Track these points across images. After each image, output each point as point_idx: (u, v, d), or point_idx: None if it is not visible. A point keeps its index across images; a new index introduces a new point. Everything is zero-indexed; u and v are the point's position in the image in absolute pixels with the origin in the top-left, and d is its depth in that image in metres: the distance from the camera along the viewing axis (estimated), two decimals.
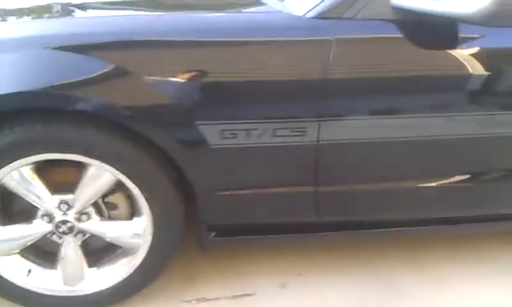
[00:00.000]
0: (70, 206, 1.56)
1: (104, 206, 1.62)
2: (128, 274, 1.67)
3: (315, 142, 1.50)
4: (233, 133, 1.45)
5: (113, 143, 1.44)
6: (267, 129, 1.46)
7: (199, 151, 1.47)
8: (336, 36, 1.42)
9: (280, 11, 1.58)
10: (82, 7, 1.84)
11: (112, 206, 1.63)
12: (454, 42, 1.49)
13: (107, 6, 1.89)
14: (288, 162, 1.55)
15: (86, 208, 1.57)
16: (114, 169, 1.48)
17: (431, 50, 1.48)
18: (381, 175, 1.63)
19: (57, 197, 1.54)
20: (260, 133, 1.46)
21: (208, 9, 1.80)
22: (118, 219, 1.64)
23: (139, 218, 1.60)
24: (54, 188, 1.53)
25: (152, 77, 1.38)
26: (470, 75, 1.51)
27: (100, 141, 1.43)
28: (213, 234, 1.69)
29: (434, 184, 1.67)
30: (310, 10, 1.48)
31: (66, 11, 1.80)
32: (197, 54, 1.42)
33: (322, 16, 1.45)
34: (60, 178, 1.55)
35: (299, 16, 1.49)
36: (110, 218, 1.64)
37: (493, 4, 1.27)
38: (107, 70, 1.37)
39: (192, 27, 1.48)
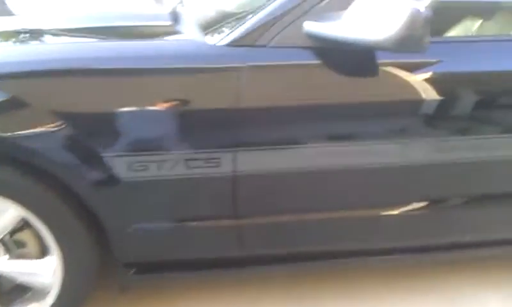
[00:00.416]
0: None
1: (11, 244, 1.52)
2: None
3: (231, 174, 1.44)
4: (143, 166, 1.39)
5: (13, 177, 1.36)
6: (179, 160, 1.40)
7: (107, 185, 1.40)
8: (248, 63, 1.38)
9: (192, 40, 1.54)
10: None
11: (21, 244, 1.53)
12: (371, 68, 1.46)
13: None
14: (204, 194, 1.49)
15: None
16: (17, 205, 1.39)
17: (347, 77, 1.45)
18: (303, 206, 1.58)
19: None
20: (171, 165, 1.40)
21: (122, 37, 1.75)
22: (28, 258, 1.54)
23: (50, 257, 1.50)
24: None
25: (50, 108, 1.31)
26: (386, 101, 1.48)
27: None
28: (132, 271, 1.60)
29: (361, 213, 1.62)
30: (223, 38, 1.44)
31: None
32: (101, 83, 1.36)
33: (234, 44, 1.41)
34: None
35: (211, 45, 1.44)
36: (19, 257, 1.54)
37: (403, 30, 1.25)
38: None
39: (98, 55, 1.42)
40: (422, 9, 1.24)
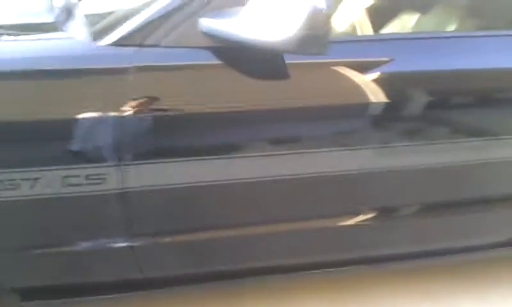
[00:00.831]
0: None
1: None
2: None
3: (119, 191, 1.26)
4: (13, 184, 1.20)
5: None
6: (55, 178, 1.21)
7: None
8: (135, 64, 1.21)
9: (72, 38, 1.35)
10: None
11: None
12: (279, 69, 1.30)
13: None
14: (89, 215, 1.31)
15: None
16: None
17: (253, 80, 1.29)
18: (206, 223, 1.41)
19: None
20: (46, 183, 1.21)
21: None
22: None
23: None
24: None
25: None
26: (303, 107, 1.33)
27: None
28: (19, 299, 1.42)
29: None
30: (108, 37, 1.26)
31: None
32: None
33: (120, 43, 1.23)
34: None
35: (93, 44, 1.26)
36: None
37: (302, 30, 1.10)
38: None
39: None
40: (323, 6, 1.08)
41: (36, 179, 1.20)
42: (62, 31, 1.43)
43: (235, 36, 1.17)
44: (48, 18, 1.49)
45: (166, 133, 1.26)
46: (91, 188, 1.24)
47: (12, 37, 1.43)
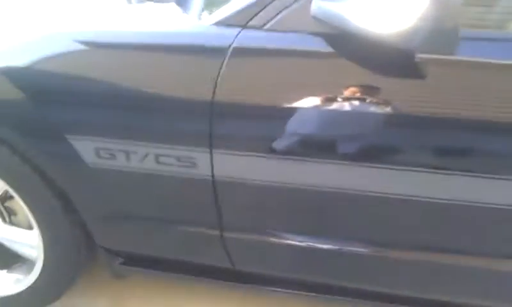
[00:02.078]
0: None
1: (4, 210, 1.50)
2: (27, 286, 1.54)
3: (209, 177, 1.20)
4: (111, 154, 1.23)
5: None
6: (148, 154, 1.20)
7: (74, 169, 1.27)
8: (234, 45, 1.12)
9: (183, 18, 1.32)
10: None
11: (12, 212, 1.51)
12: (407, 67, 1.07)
13: None
14: (180, 196, 1.28)
15: None
16: None
17: (368, 74, 1.08)
18: (304, 228, 1.28)
19: None
20: (140, 158, 1.21)
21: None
22: (19, 226, 1.51)
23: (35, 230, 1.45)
24: None
25: (14, 80, 1.22)
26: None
27: None
28: (119, 261, 1.49)
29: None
30: (210, 17, 1.19)
31: None
32: (62, 56, 1.22)
33: (223, 22, 1.15)
34: None
35: (197, 23, 1.21)
36: (11, 223, 1.51)
37: (426, 23, 0.89)
38: None
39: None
40: None
41: (130, 152, 1.21)
42: (178, 7, 1.41)
43: (348, 23, 1.00)
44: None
45: (262, 123, 1.15)
46: (182, 171, 1.20)
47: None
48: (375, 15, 0.97)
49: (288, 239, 1.28)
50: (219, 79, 1.11)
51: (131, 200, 1.32)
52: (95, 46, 1.23)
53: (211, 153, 1.16)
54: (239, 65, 1.12)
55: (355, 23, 0.99)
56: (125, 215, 1.34)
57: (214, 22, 1.17)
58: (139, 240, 1.41)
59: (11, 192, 1.38)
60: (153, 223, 1.35)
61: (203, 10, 1.31)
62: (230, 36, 1.12)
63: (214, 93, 1.12)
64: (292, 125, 1.11)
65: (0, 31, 1.36)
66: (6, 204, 1.49)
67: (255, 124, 1.15)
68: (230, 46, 1.11)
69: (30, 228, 1.47)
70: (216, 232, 1.30)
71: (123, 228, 1.38)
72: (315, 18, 1.07)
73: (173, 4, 1.41)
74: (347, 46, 1.07)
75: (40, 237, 1.43)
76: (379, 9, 0.97)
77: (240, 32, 1.12)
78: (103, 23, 1.33)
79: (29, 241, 1.48)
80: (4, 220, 1.50)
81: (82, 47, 1.23)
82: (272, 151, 1.13)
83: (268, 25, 1.12)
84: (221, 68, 1.11)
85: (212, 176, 1.20)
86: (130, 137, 1.20)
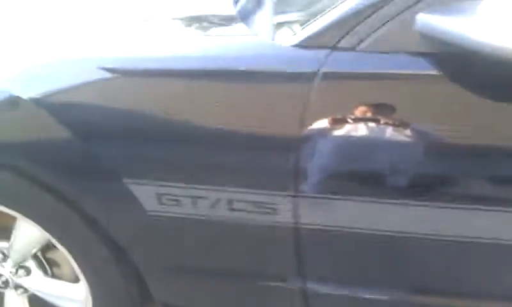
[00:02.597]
0: (6, 256, 1.30)
1: (45, 262, 1.34)
2: None
3: (293, 225, 1.03)
4: (175, 200, 1.06)
5: (30, 195, 1.14)
6: (220, 199, 1.04)
7: (131, 217, 1.11)
8: (323, 70, 0.95)
9: (251, 36, 1.14)
10: None
11: (54, 263, 1.34)
12: None
13: None
14: (255, 247, 1.11)
15: (24, 260, 1.31)
16: (38, 225, 1.19)
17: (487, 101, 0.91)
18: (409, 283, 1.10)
19: None
20: (210, 204, 1.04)
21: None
22: (62, 279, 1.34)
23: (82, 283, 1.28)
24: None
25: (63, 117, 1.06)
26: None
27: (15, 190, 1.15)
28: None
29: None
30: (292, 37, 1.02)
31: None
32: (116, 85, 1.07)
33: (305, 44, 0.99)
34: None
35: (276, 45, 1.04)
36: (53, 276, 1.35)
37: None
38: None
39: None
40: None
41: (199, 198, 1.04)
42: (244, 25, 1.22)
43: (471, 40, 0.83)
44: (231, 10, 1.32)
45: (357, 161, 0.99)
46: (260, 218, 1.03)
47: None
48: (504, 29, 0.80)
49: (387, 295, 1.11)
50: (306, 111, 0.95)
51: (197, 251, 1.15)
52: (153, 74, 1.07)
53: (296, 196, 1.00)
54: (330, 94, 0.96)
55: (479, 39, 0.82)
56: (189, 268, 1.17)
57: (295, 43, 0.99)
58: (204, 295, 1.24)
59: (55, 242, 1.22)
60: (222, 276, 1.17)
61: (275, 29, 1.14)
62: (318, 60, 0.95)
63: (300, 127, 0.95)
64: (400, 164, 0.94)
65: (26, 49, 1.22)
66: (48, 255, 1.33)
67: (354, 162, 0.98)
68: (318, 71, 0.94)
69: (75, 280, 1.31)
70: (296, 286, 1.13)
71: (187, 282, 1.21)
72: (422, 35, 0.90)
73: (235, 23, 1.24)
74: (467, 67, 0.90)
75: (88, 291, 1.26)
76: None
77: (329, 54, 0.95)
78: (153, 47, 1.17)
79: (74, 296, 1.31)
80: (45, 272, 1.33)
81: (136, 76, 1.08)
82: (374, 194, 0.96)
83: (362, 46, 0.95)
84: (308, 98, 0.94)
85: (296, 223, 1.03)
86: (199, 181, 1.04)
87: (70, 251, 1.20)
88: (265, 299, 1.19)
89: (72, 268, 1.27)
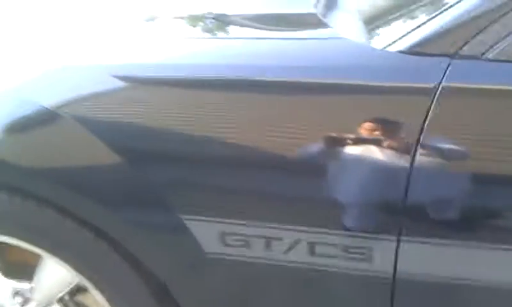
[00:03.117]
0: (27, 299, 1.10)
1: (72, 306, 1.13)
2: None
3: (389, 277, 0.82)
4: (243, 241, 0.85)
5: (62, 231, 0.94)
6: (300, 242, 0.83)
7: (185, 259, 0.90)
8: (444, 83, 0.75)
9: (344, 38, 0.93)
10: None
11: None
12: None
13: None
14: (339, 300, 0.90)
15: (48, 304, 1.10)
16: (69, 266, 0.98)
17: None
18: None
19: (11, 284, 1.09)
20: (287, 247, 0.84)
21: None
22: None
23: None
24: (6, 269, 1.09)
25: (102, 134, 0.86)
26: None
27: (41, 223, 0.95)
28: None
29: None
30: (397, 40, 0.82)
31: None
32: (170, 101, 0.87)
33: (418, 50, 0.79)
34: (15, 256, 1.10)
35: (376, 49, 0.84)
36: None
37: None
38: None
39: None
40: None
41: (273, 239, 0.84)
42: (327, 26, 1.02)
43: None
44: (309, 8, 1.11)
45: (482, 194, 0.78)
46: (348, 266, 0.83)
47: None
48: None
49: None
50: (422, 133, 0.74)
51: (267, 302, 0.94)
52: (215, 86, 0.88)
53: (398, 240, 0.79)
54: (453, 112, 0.76)
55: None
56: None
57: (403, 48, 0.80)
58: None
59: (88, 284, 1.01)
60: None
61: (371, 30, 0.95)
62: (437, 71, 0.75)
63: (414, 153, 0.75)
64: None
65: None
66: (77, 298, 1.12)
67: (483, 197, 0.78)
68: (438, 85, 0.75)
69: None
70: None
71: None
72: None
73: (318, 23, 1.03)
74: None
75: None
76: None
77: (450, 63, 0.76)
78: (213, 51, 0.98)
79: None
80: None
81: (196, 87, 0.88)
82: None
83: (491, 54, 0.75)
84: (425, 117, 0.74)
85: (394, 273, 0.82)
86: (274, 219, 0.83)
87: (106, 295, 1.00)
88: None
89: None
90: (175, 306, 1.01)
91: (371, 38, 0.90)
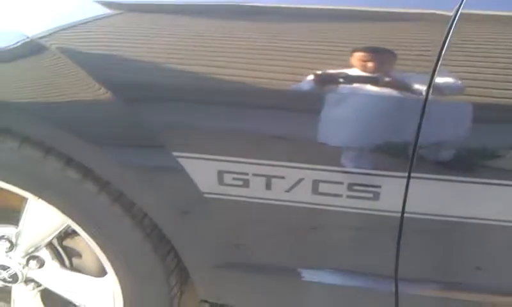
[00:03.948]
0: (13, 245, 1.05)
1: (62, 251, 1.09)
2: None
3: (397, 216, 0.78)
4: (242, 179, 0.80)
5: (47, 170, 0.88)
6: (303, 179, 0.78)
7: (181, 200, 0.85)
8: (463, 10, 0.68)
9: None
10: None
11: (74, 253, 1.09)
12: None
13: None
14: (342, 241, 0.86)
15: (36, 250, 1.06)
16: (55, 208, 0.93)
17: None
18: None
19: None
20: (289, 185, 0.79)
21: None
22: (83, 272, 1.09)
23: (108, 277, 1.04)
24: None
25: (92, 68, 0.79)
26: None
27: (27, 165, 0.89)
28: None
29: None
30: None
31: None
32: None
33: None
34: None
35: None
36: (73, 268, 1.10)
37: None
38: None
39: None
40: None
41: (274, 177, 0.79)
42: None
43: None
44: None
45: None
46: (354, 204, 0.78)
47: None
48: None
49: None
50: (439, 62, 0.68)
51: (267, 245, 0.90)
52: (208, 12, 0.80)
53: (409, 176, 0.74)
54: (469, 40, 0.70)
55: None
56: (252, 265, 0.92)
57: None
58: (267, 295, 0.98)
59: (77, 228, 0.96)
60: (293, 276, 0.92)
61: None
62: None
63: (430, 83, 0.69)
64: None
65: None
66: (66, 243, 1.08)
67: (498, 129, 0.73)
68: (457, 12, 0.68)
69: (100, 274, 1.06)
70: (389, 290, 0.88)
71: (248, 281, 0.96)
72: None
73: None
74: None
75: (118, 287, 1.02)
76: None
77: None
78: None
79: (99, 292, 1.07)
80: (62, 264, 1.09)
81: (183, 15, 0.81)
82: None
83: None
84: (443, 46, 0.68)
85: (402, 213, 0.78)
86: (275, 156, 0.78)
87: (97, 240, 0.95)
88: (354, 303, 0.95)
89: (97, 260, 1.02)
90: (169, 249, 0.97)
91: None
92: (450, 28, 0.68)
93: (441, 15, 0.69)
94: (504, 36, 0.71)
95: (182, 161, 0.80)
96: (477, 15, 0.70)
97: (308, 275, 0.91)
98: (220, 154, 0.79)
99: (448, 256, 0.85)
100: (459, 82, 0.70)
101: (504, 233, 0.79)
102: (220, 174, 0.80)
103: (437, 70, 0.68)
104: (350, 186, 0.77)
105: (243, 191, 0.81)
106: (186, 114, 0.78)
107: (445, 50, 0.68)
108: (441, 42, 0.68)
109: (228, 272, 0.94)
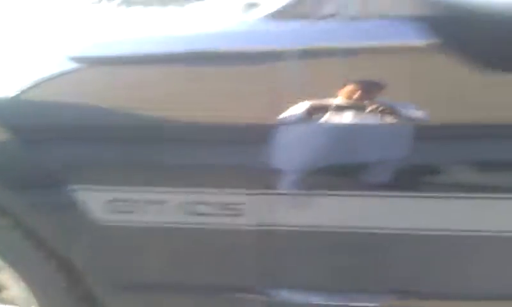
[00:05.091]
0: None
1: None
2: None
3: (257, 228, 0.87)
4: (128, 206, 0.89)
5: None
6: (182, 204, 0.87)
7: (77, 229, 0.94)
8: (300, 47, 0.79)
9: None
10: None
11: (2, 287, 1.16)
12: None
13: None
14: (216, 256, 0.95)
15: None
16: None
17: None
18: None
19: None
20: (170, 209, 0.87)
21: None
22: (13, 304, 1.16)
23: None
24: None
25: None
26: None
27: None
28: None
29: None
30: (263, 9, 0.86)
31: None
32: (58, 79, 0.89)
33: (278, 15, 0.82)
34: None
35: (243, 17, 0.88)
36: (1, 301, 1.17)
37: None
38: None
39: None
40: None
41: (157, 202, 0.88)
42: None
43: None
44: None
45: (339, 151, 0.83)
46: (223, 222, 0.87)
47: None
48: None
49: None
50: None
51: (156, 264, 0.98)
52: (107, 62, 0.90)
53: (266, 194, 0.83)
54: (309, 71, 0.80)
55: None
56: (149, 284, 1.00)
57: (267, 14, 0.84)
58: None
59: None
60: (184, 291, 1.00)
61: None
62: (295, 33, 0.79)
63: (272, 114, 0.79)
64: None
65: None
66: None
67: (337, 153, 0.82)
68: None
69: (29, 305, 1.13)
70: (264, 297, 0.96)
71: (149, 299, 1.03)
72: None
73: None
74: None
75: None
76: None
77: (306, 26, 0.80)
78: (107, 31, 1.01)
79: None
80: None
81: (81, 65, 0.90)
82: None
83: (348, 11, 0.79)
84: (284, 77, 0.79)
85: (262, 225, 0.86)
86: (156, 182, 0.87)
87: (18, 274, 1.03)
88: None
89: (24, 291, 1.09)
90: (80, 277, 1.04)
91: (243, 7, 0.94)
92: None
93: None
94: None
95: (77, 193, 0.88)
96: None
97: (197, 290, 0.99)
98: (106, 184, 0.87)
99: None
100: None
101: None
102: (108, 203, 0.88)
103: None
104: (222, 206, 0.85)
105: (130, 217, 0.89)
106: (76, 151, 0.88)
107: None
108: None
109: (131, 293, 1.02)
